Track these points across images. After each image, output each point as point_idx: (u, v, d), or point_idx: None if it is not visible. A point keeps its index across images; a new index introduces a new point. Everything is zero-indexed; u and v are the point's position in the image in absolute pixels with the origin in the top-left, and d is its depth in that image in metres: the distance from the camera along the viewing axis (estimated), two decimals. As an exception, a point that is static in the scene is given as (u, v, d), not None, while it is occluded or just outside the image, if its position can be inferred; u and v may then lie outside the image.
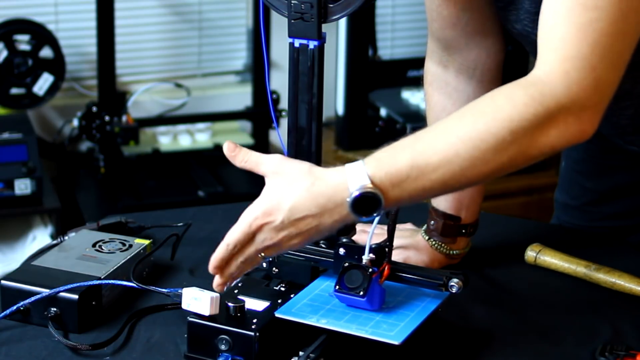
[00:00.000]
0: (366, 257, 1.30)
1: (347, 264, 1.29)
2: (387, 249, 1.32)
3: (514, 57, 3.31)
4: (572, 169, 1.76)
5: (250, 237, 1.25)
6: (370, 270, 1.28)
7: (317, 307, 1.30)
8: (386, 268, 1.31)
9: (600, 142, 1.66)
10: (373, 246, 1.31)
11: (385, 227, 1.35)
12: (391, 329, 1.26)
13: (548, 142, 1.23)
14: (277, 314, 1.29)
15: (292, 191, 1.23)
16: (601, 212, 1.74)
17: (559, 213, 1.80)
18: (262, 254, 1.26)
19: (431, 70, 1.58)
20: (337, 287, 1.28)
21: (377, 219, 1.27)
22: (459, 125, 1.24)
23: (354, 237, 1.36)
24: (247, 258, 1.26)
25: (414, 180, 1.22)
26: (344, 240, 1.34)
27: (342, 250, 1.33)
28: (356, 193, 1.21)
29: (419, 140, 1.25)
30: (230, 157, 1.28)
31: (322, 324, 1.27)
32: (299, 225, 1.23)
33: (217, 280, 1.28)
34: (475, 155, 1.22)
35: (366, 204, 1.21)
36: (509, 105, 1.23)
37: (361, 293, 1.27)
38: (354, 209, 1.22)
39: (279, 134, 1.50)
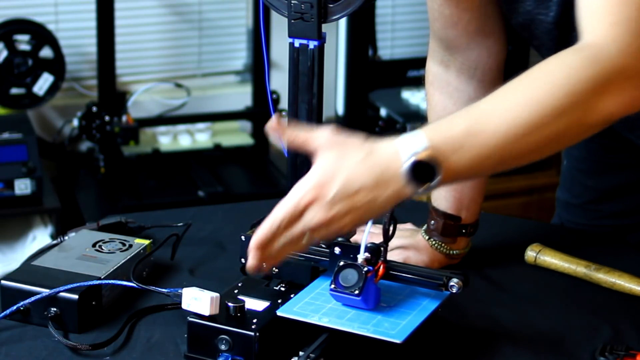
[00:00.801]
0: (361, 256, 1.30)
1: (342, 263, 1.29)
2: (382, 249, 1.32)
3: (514, 57, 3.32)
4: (574, 167, 1.77)
5: (298, 214, 1.18)
6: (366, 269, 1.28)
7: (318, 306, 1.30)
8: (381, 267, 1.31)
9: (602, 140, 1.66)
10: (368, 245, 1.31)
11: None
12: (393, 328, 1.26)
13: (606, 108, 1.19)
14: (279, 313, 1.29)
15: (346, 163, 1.17)
16: (602, 210, 1.74)
17: (560, 211, 1.80)
18: (309, 237, 1.19)
19: (432, 70, 1.59)
20: (333, 286, 1.28)
21: (370, 221, 1.27)
22: (515, 92, 1.20)
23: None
24: (292, 239, 1.19)
25: (471, 146, 1.17)
26: (340, 239, 1.35)
27: (337, 250, 1.33)
28: (411, 160, 1.16)
29: (475, 108, 1.20)
30: (274, 129, 1.21)
31: (324, 322, 1.27)
32: (353, 200, 1.17)
33: (252, 260, 1.20)
34: (534, 120, 1.17)
35: (422, 172, 1.16)
36: (563, 69, 1.19)
37: (356, 292, 1.27)
38: (410, 177, 1.16)
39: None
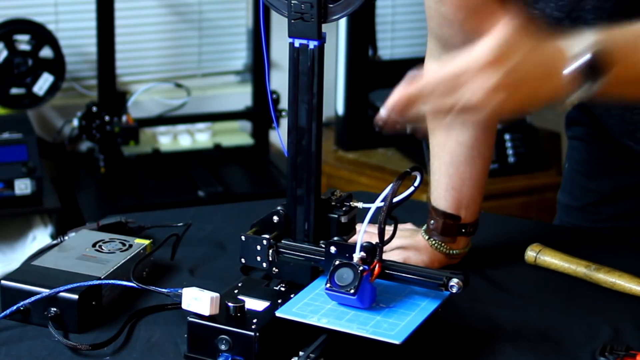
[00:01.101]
0: (357, 255, 1.30)
1: (337, 262, 1.29)
2: (378, 248, 1.32)
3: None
4: (575, 170, 1.76)
5: (457, 85, 1.12)
6: (361, 268, 1.28)
7: (317, 306, 1.30)
8: (377, 266, 1.31)
9: (603, 143, 1.66)
10: (364, 244, 1.31)
11: (391, 227, 1.35)
12: (392, 329, 1.26)
13: None
14: (278, 314, 1.29)
15: (527, 43, 1.12)
16: (603, 212, 1.74)
17: (562, 214, 1.80)
18: (455, 114, 1.12)
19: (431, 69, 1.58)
20: (328, 285, 1.28)
21: (367, 218, 1.27)
22: None
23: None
24: (438, 109, 1.14)
25: None
26: (335, 238, 1.35)
27: (333, 249, 1.34)
28: (584, 56, 1.13)
29: None
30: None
31: (323, 323, 1.27)
32: (518, 86, 1.11)
33: (384, 111, 1.15)
34: None
35: (592, 69, 1.13)
36: None
37: (352, 291, 1.27)
38: (579, 74, 1.12)
39: (279, 134, 1.50)
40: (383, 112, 1.15)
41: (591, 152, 1.72)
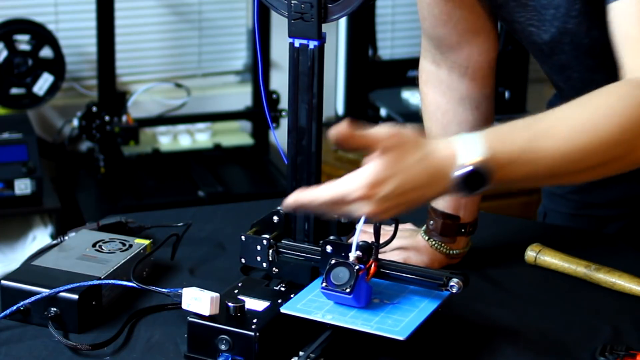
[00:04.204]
0: (353, 254, 1.30)
1: (333, 262, 1.29)
2: (374, 247, 1.32)
3: (514, 57, 3.32)
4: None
5: (344, 203, 1.18)
6: (357, 267, 1.28)
7: (322, 303, 1.31)
8: (373, 265, 1.31)
9: None
10: (360, 244, 1.31)
11: (391, 227, 1.35)
12: (396, 325, 1.26)
13: None
14: (283, 310, 1.29)
15: (403, 165, 1.17)
16: (582, 201, 1.75)
17: (546, 201, 1.82)
18: (347, 217, 1.21)
19: (425, 68, 1.59)
20: (324, 284, 1.28)
21: (363, 218, 1.27)
22: (579, 114, 1.21)
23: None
24: (327, 212, 1.22)
25: (524, 162, 1.18)
26: (331, 237, 1.35)
27: (329, 248, 1.34)
28: (466, 169, 1.16)
29: (538, 122, 1.21)
30: (341, 142, 1.18)
31: (328, 319, 1.27)
32: (403, 198, 1.18)
33: (288, 203, 1.22)
34: (592, 146, 1.19)
35: (473, 181, 1.17)
36: (624, 103, 1.20)
37: (347, 290, 1.27)
38: (460, 185, 1.17)
39: (275, 137, 1.50)
40: (286, 203, 1.22)
41: None
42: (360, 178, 1.17)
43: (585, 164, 1.21)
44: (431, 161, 1.18)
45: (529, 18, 1.43)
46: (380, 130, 1.18)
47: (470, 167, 1.16)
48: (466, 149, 1.17)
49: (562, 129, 1.20)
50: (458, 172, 1.17)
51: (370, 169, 1.17)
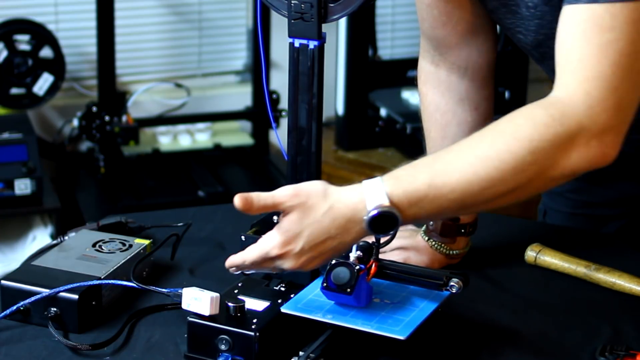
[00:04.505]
0: (353, 254, 1.30)
1: (334, 262, 1.29)
2: (374, 247, 1.32)
3: (514, 57, 3.32)
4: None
5: (268, 260, 1.26)
6: (357, 267, 1.28)
7: (322, 302, 1.31)
8: (373, 265, 1.31)
9: None
10: (360, 244, 1.31)
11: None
12: (396, 324, 1.26)
13: (569, 164, 1.22)
14: (284, 310, 1.29)
15: (309, 220, 1.23)
16: (581, 200, 1.75)
17: (546, 199, 1.82)
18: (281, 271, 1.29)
19: (425, 69, 1.59)
20: (325, 284, 1.29)
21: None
22: (478, 145, 1.24)
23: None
24: (260, 270, 1.30)
25: (431, 199, 1.22)
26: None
27: None
28: (374, 212, 1.21)
29: (437, 160, 1.25)
30: (245, 211, 1.26)
31: (328, 319, 1.27)
32: (319, 249, 1.24)
33: (226, 265, 1.31)
34: (494, 176, 1.21)
35: (383, 223, 1.21)
36: (529, 125, 1.22)
37: (348, 290, 1.27)
38: (372, 228, 1.22)
39: (277, 135, 1.51)
40: (227, 267, 1.30)
41: None
42: (273, 239, 1.25)
43: (494, 192, 1.23)
44: (337, 212, 1.23)
45: (518, 25, 1.43)
46: (282, 192, 1.25)
47: (376, 212, 1.21)
48: (369, 197, 1.22)
49: (462, 162, 1.22)
50: (366, 218, 1.21)
51: (278, 231, 1.25)
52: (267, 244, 1.25)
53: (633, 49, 1.22)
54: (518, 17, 1.42)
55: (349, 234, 1.23)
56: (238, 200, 1.24)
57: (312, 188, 1.25)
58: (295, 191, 1.25)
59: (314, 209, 1.23)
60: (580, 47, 1.22)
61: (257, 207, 1.25)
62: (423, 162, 1.25)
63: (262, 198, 1.25)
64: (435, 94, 1.58)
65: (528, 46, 1.45)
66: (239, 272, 1.31)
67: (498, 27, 1.57)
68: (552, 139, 1.21)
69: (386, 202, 1.21)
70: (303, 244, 1.24)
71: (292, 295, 1.33)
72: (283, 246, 1.24)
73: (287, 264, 1.25)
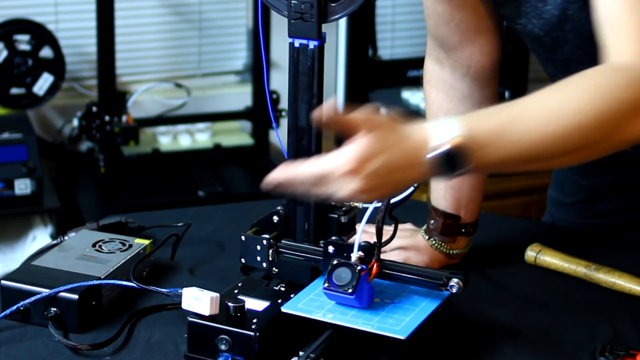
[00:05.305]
0: (355, 254, 1.30)
1: (335, 262, 1.29)
2: (376, 248, 1.32)
3: (514, 57, 3.32)
4: (566, 167, 1.77)
5: (327, 180, 1.17)
6: (359, 268, 1.28)
7: (322, 302, 1.31)
8: (375, 266, 1.31)
9: None
10: (362, 244, 1.31)
11: (391, 227, 1.35)
12: (397, 324, 1.26)
13: (635, 130, 1.21)
14: (284, 309, 1.29)
15: (388, 143, 1.16)
16: (595, 210, 1.74)
17: (552, 210, 1.81)
18: (326, 197, 1.19)
19: (429, 68, 1.59)
20: (326, 284, 1.29)
21: (365, 218, 1.27)
22: (557, 96, 1.21)
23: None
24: (307, 193, 1.20)
25: (505, 142, 1.17)
26: (333, 238, 1.35)
27: (331, 248, 1.34)
28: (442, 148, 1.16)
29: (516, 104, 1.20)
30: (327, 121, 1.18)
31: (329, 319, 1.27)
32: (387, 178, 1.16)
33: (269, 178, 1.22)
34: (570, 128, 1.18)
35: (450, 161, 1.16)
36: (603, 86, 1.20)
37: (350, 291, 1.27)
38: (438, 165, 1.16)
39: (278, 135, 1.51)
40: (265, 181, 1.21)
41: None
42: (348, 153, 1.16)
43: (563, 148, 1.20)
44: (408, 143, 1.17)
45: (530, 11, 1.43)
46: (364, 112, 1.18)
47: (448, 147, 1.15)
48: (442, 130, 1.16)
49: (540, 112, 1.19)
50: (433, 153, 1.16)
51: (359, 145, 1.16)
52: (339, 159, 1.16)
53: None
54: (530, 3, 1.41)
55: (411, 171, 1.17)
56: (325, 110, 1.18)
57: (388, 116, 1.19)
58: (376, 113, 1.18)
59: (393, 134, 1.17)
60: (634, 16, 1.22)
61: (341, 122, 1.18)
62: (500, 106, 1.21)
63: (348, 114, 1.18)
64: (439, 92, 1.58)
65: (542, 32, 1.44)
66: (277, 191, 1.21)
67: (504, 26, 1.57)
68: (623, 101, 1.19)
69: (456, 139, 1.15)
70: (377, 166, 1.15)
71: (292, 295, 1.33)
72: (358, 162, 1.14)
73: (350, 186, 1.15)
